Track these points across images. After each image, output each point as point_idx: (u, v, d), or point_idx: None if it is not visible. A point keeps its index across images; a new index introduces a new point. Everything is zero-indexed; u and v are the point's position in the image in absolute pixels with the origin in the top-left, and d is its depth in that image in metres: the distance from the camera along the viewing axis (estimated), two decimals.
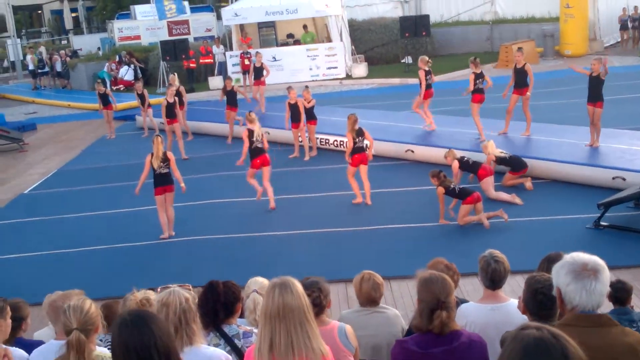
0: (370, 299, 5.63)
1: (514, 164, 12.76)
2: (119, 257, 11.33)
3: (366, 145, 12.73)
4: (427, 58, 16.50)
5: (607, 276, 3.08)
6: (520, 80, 15.07)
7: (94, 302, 4.26)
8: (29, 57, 33.28)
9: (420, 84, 16.16)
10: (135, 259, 11.16)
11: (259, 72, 20.77)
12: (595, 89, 13.46)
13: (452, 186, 11.19)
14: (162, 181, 11.65)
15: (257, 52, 23.30)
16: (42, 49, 34.70)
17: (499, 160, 12.74)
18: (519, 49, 15.66)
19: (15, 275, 10.93)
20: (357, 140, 12.37)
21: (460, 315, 4.79)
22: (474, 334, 4.13)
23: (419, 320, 3.99)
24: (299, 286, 3.70)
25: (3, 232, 13.33)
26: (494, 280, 5.07)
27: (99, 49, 34.89)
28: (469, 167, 12.47)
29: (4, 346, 4.58)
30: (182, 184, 11.76)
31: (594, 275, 3.04)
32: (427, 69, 16.09)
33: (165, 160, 11.58)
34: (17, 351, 4.59)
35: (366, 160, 12.54)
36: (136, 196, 12.13)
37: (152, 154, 11.60)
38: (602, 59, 14.11)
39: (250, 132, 12.51)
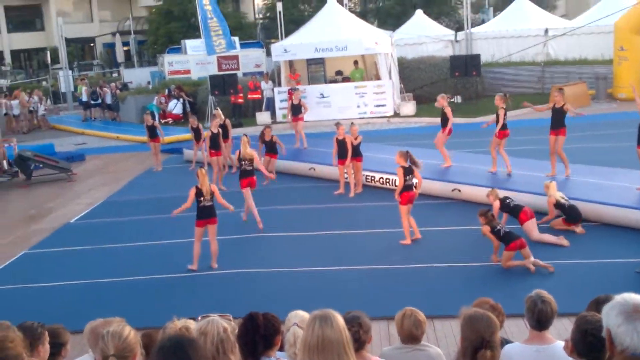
0: (411, 336, 5.51)
1: (570, 213, 12.41)
2: (161, 287, 11.32)
3: (414, 183, 12.59)
4: (503, 95, 15.90)
5: None
6: (557, 120, 14.84)
7: (133, 330, 4.20)
8: (83, 88, 33.92)
9: (498, 121, 15.42)
10: (177, 290, 11.15)
11: (297, 109, 20.77)
12: None
13: (498, 227, 10.98)
14: (206, 214, 11.68)
15: (295, 88, 23.61)
16: (85, 82, 35.35)
17: (557, 205, 12.46)
18: (560, 89, 15.35)
19: (58, 303, 10.98)
20: (407, 178, 12.26)
21: (505, 356, 4.63)
22: None
23: (463, 359, 3.86)
24: (340, 319, 3.62)
25: (48, 261, 13.44)
26: (540, 321, 4.92)
27: (149, 83, 35.46)
28: (510, 209, 12.20)
29: None
30: (231, 207, 11.97)
31: None
32: (504, 106, 15.45)
33: (210, 192, 11.60)
34: None
35: (414, 198, 12.42)
36: (179, 228, 12.18)
37: (197, 187, 11.61)
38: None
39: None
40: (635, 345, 2.88)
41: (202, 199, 11.59)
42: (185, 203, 11.74)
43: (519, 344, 5.09)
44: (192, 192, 11.66)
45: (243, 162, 13.46)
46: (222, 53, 28.94)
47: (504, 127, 15.34)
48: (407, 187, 12.25)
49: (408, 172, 12.23)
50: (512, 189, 13.82)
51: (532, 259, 10.70)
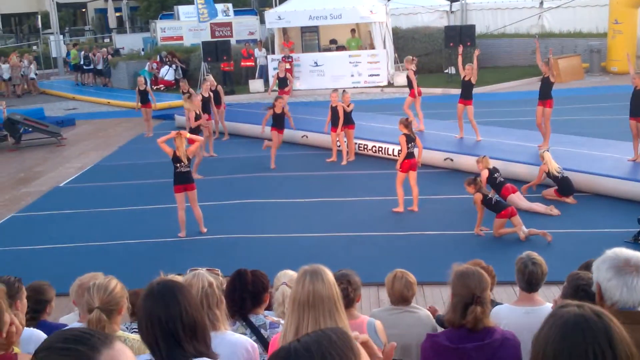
0: (402, 297, 5.51)
1: (563, 186, 12.40)
2: (150, 251, 11.29)
3: (416, 151, 12.51)
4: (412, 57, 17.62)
5: None
6: (544, 91, 14.91)
7: (120, 283, 4.14)
8: (75, 53, 33.67)
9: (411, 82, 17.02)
10: (167, 253, 11.12)
11: (282, 82, 20.55)
12: (637, 103, 13.21)
13: (489, 196, 10.94)
14: (183, 179, 11.50)
15: (279, 60, 23.48)
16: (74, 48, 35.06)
17: (551, 177, 12.43)
18: (547, 60, 15.30)
19: (45, 265, 10.92)
20: (409, 145, 12.17)
21: (494, 317, 4.60)
22: (508, 332, 3.95)
23: (452, 314, 3.83)
24: (330, 275, 3.56)
25: (36, 223, 13.37)
26: (530, 283, 4.91)
27: (143, 49, 35.21)
28: (495, 184, 12.12)
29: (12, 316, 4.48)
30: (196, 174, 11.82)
31: (636, 271, 2.87)
32: (413, 68, 16.99)
33: (187, 158, 11.42)
34: (35, 332, 4.48)
35: (416, 166, 12.33)
36: (168, 193, 12.14)
37: (174, 151, 11.40)
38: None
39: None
40: (625, 300, 2.85)
41: (178, 164, 11.39)
42: (165, 149, 11.52)
43: (508, 305, 5.08)
44: (170, 150, 11.43)
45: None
46: (207, 21, 28.70)
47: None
48: (409, 155, 12.16)
49: (410, 139, 12.14)
50: (504, 158, 13.79)
51: (522, 227, 10.69)
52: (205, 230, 11.88)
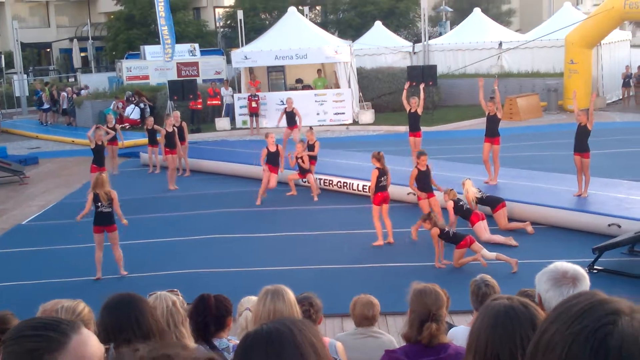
0: (364, 316, 5.64)
1: (491, 201, 13.06)
2: (113, 286, 11.27)
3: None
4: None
5: (586, 285, 3.11)
6: (491, 129, 15.38)
7: (88, 306, 4.22)
8: (42, 94, 33.64)
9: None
10: (130, 288, 11.07)
11: (291, 117, 20.80)
12: (581, 140, 13.77)
13: (446, 229, 11.21)
14: (102, 220, 11.45)
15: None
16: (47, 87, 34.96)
17: (478, 201, 12.90)
18: (491, 98, 15.76)
19: (6, 303, 10.83)
20: (381, 179, 12.38)
21: (451, 338, 4.78)
22: (461, 347, 4.12)
23: (409, 330, 4.00)
24: (291, 294, 3.71)
25: None
26: (483, 304, 5.08)
27: (107, 89, 35.29)
28: (463, 212, 12.49)
29: None
30: (124, 220, 11.65)
31: (572, 283, 3.08)
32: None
33: (108, 198, 11.36)
34: None
35: (388, 199, 12.55)
36: (131, 230, 12.22)
37: (95, 191, 11.41)
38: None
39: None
40: None
41: (99, 204, 11.34)
42: (85, 209, 11.61)
43: (464, 327, 5.26)
44: (90, 196, 11.49)
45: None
46: (169, 61, 29.04)
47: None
48: (381, 188, 12.39)
49: (382, 173, 12.37)
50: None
51: (484, 251, 10.94)
52: (125, 273, 11.76)
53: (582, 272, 3.15)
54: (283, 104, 27.13)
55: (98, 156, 17.20)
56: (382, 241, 12.55)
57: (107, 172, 12.48)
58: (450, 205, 12.38)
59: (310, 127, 17.63)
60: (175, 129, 18.57)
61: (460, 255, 11.01)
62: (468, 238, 11.01)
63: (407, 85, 18.07)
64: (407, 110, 16.99)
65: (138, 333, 3.00)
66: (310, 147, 16.48)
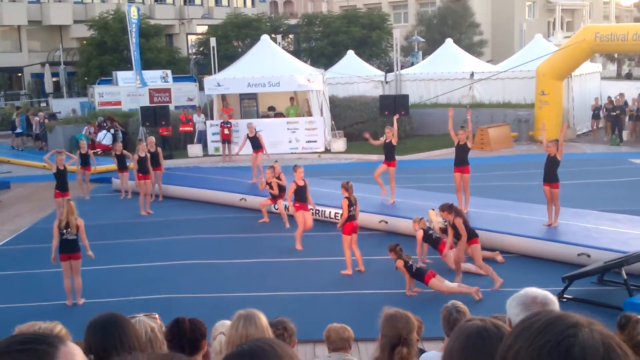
0: (340, 338, 5.67)
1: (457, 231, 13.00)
2: (87, 312, 11.21)
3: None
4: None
5: (555, 310, 3.19)
6: (461, 158, 15.55)
7: (65, 328, 4.22)
8: (16, 118, 33.46)
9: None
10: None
11: (255, 141, 20.77)
12: (550, 170, 13.98)
13: (410, 263, 11.34)
14: (68, 248, 11.45)
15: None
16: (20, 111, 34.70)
17: (444, 230, 12.88)
18: (462, 127, 16.01)
19: None
20: (350, 209, 12.48)
21: None
22: None
23: (380, 354, 4.07)
24: (263, 319, 3.76)
25: None
26: (453, 330, 5.17)
27: (73, 110, 35.18)
28: (432, 241, 12.66)
29: None
30: (89, 252, 11.65)
31: (542, 308, 3.16)
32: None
33: (75, 226, 11.38)
34: None
35: (357, 228, 12.65)
36: (103, 254, 12.14)
37: (59, 219, 11.44)
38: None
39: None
40: None
41: (65, 231, 11.36)
42: (53, 240, 11.55)
43: (435, 352, 5.32)
44: (55, 225, 11.48)
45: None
46: (138, 87, 29.20)
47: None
48: (351, 217, 12.49)
49: (351, 203, 12.48)
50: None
51: (446, 283, 11.07)
52: (82, 300, 11.68)
53: (552, 297, 3.24)
54: (255, 131, 27.32)
55: (61, 181, 17.06)
56: (351, 270, 12.62)
57: (70, 198, 12.39)
58: (420, 234, 12.55)
59: (275, 161, 17.76)
60: (148, 155, 18.58)
61: (436, 285, 11.13)
62: (428, 273, 11.17)
63: (367, 135, 18.20)
64: (384, 140, 17.03)
65: (121, 352, 3.04)
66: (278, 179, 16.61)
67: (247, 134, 21.14)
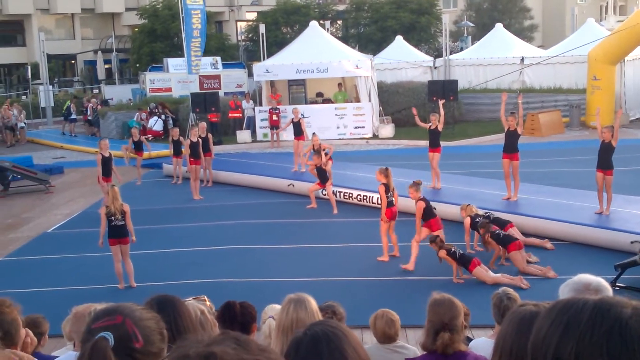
0: (385, 335, 5.68)
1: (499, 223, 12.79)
2: (140, 294, 11.42)
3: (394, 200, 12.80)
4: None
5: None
6: (511, 144, 15.30)
7: None
8: (71, 105, 34.15)
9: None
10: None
11: (297, 127, 20.97)
12: (605, 156, 13.66)
13: (452, 249, 11.28)
14: (116, 233, 11.66)
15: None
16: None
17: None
18: (512, 113, 15.74)
19: (32, 309, 10.93)
20: (388, 195, 12.47)
21: (471, 349, 4.85)
22: (481, 356, 4.20)
23: (425, 339, 4.10)
24: (313, 303, 3.79)
25: (24, 268, 13.53)
26: (504, 316, 5.16)
27: (130, 100, 35.66)
28: (479, 226, 12.52)
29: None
30: (133, 237, 11.83)
31: (595, 295, 3.14)
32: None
33: (121, 212, 11.58)
34: None
35: (396, 215, 12.64)
36: (155, 239, 12.31)
37: (106, 205, 11.66)
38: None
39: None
40: None
41: (112, 218, 11.57)
42: (101, 225, 11.77)
43: (485, 338, 5.33)
44: (102, 211, 11.70)
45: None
46: (197, 73, 29.39)
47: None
48: (389, 204, 12.47)
49: (388, 189, 12.46)
50: (484, 207, 14.13)
51: (489, 273, 11.02)
52: (135, 285, 11.87)
53: (605, 284, 3.22)
54: (304, 117, 27.39)
55: (107, 168, 17.23)
56: (387, 257, 12.60)
57: (115, 184, 12.64)
58: (467, 221, 12.46)
59: (314, 133, 18.03)
60: (200, 140, 18.79)
61: (481, 275, 11.08)
62: (473, 261, 11.10)
63: (414, 111, 18.03)
64: (428, 127, 16.99)
65: (176, 334, 3.11)
66: (318, 152, 16.66)
67: (292, 118, 21.23)
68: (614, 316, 1.52)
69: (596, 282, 3.22)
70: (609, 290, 3.20)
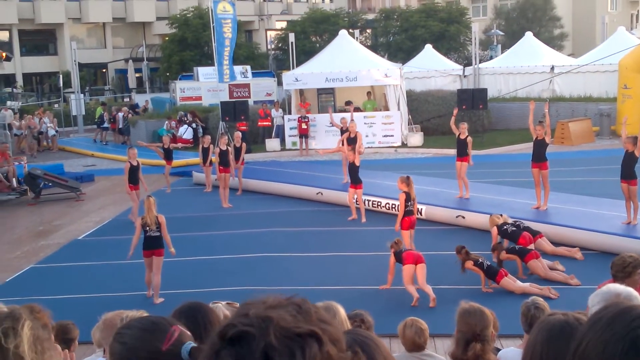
0: (414, 344, 5.68)
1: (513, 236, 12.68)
2: (169, 303, 11.50)
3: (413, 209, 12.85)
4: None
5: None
6: (539, 153, 15.18)
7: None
8: (104, 113, 34.61)
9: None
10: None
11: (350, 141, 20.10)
12: (628, 167, 13.66)
13: (480, 260, 11.24)
14: (151, 244, 11.63)
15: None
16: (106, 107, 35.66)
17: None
18: (540, 122, 15.53)
19: (63, 315, 10.99)
20: (408, 204, 12.50)
21: (500, 359, 4.85)
22: None
23: (455, 349, 4.09)
24: (342, 311, 3.80)
25: (55, 275, 13.71)
26: (532, 326, 5.14)
27: (146, 101, 36.10)
28: (508, 235, 12.49)
29: None
30: (172, 249, 11.78)
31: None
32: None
33: (156, 223, 11.55)
34: None
35: (415, 223, 12.66)
36: (186, 246, 12.40)
37: (142, 216, 11.64)
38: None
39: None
40: None
41: (147, 228, 11.55)
42: (134, 235, 11.82)
43: (514, 348, 5.30)
44: (138, 222, 11.71)
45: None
46: (229, 82, 29.59)
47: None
48: (408, 213, 12.49)
49: (409, 198, 12.47)
50: (514, 216, 14.08)
51: (517, 283, 10.96)
52: (158, 301, 11.69)
53: (635, 294, 3.22)
54: (332, 126, 27.41)
55: (134, 176, 17.24)
56: None
57: (150, 194, 12.76)
58: (494, 231, 12.46)
59: (352, 120, 18.50)
60: (230, 148, 18.96)
61: (508, 286, 11.04)
62: (500, 272, 11.06)
63: (455, 111, 17.98)
64: (456, 136, 16.93)
65: (205, 340, 3.14)
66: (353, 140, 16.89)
67: (344, 130, 19.63)
68: (627, 323, 1.54)
69: (626, 292, 3.23)
70: (638, 300, 3.20)
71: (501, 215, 12.84)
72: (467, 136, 16.67)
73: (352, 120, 19.62)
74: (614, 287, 3.25)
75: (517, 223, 12.89)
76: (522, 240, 12.25)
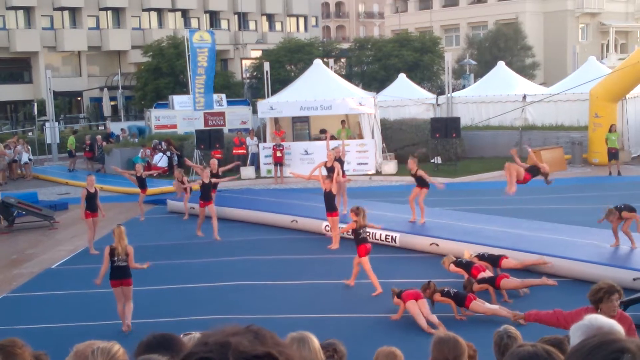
0: None
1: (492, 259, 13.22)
2: (142, 331, 11.42)
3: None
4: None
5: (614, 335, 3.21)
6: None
7: (123, 348, 4.34)
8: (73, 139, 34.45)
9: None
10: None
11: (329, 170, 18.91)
12: None
13: (446, 289, 11.41)
14: (119, 274, 11.52)
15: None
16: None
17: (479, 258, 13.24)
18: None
19: (37, 344, 10.77)
20: (360, 231, 12.84)
21: None
22: None
23: None
24: (315, 341, 3.83)
25: (28, 304, 13.56)
26: (504, 354, 5.19)
27: (122, 130, 36.01)
28: (463, 266, 12.82)
29: None
30: (144, 265, 11.88)
31: None
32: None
33: (125, 253, 11.48)
34: None
35: (370, 250, 12.88)
36: (159, 275, 12.33)
37: (111, 246, 11.55)
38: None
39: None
40: None
41: (115, 259, 11.47)
42: (103, 265, 11.71)
43: None
44: (106, 251, 11.61)
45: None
46: (203, 110, 29.64)
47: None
48: (362, 240, 12.86)
49: (360, 227, 12.79)
50: (487, 244, 14.20)
51: (486, 305, 11.15)
52: (127, 329, 11.54)
53: (618, 327, 3.23)
54: (307, 153, 27.55)
55: (91, 203, 17.31)
56: (380, 289, 12.67)
57: (121, 223, 12.71)
58: (452, 268, 12.76)
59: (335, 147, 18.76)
60: (211, 181, 18.51)
61: (478, 308, 11.16)
62: (468, 297, 11.22)
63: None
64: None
65: None
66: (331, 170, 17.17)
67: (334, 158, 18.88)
68: (604, 355, 1.60)
69: (608, 325, 3.22)
70: (621, 333, 3.23)
71: (446, 256, 13.25)
72: (417, 170, 16.64)
73: (332, 148, 19.70)
74: (595, 319, 3.28)
75: (479, 254, 13.32)
76: (474, 271, 12.44)
